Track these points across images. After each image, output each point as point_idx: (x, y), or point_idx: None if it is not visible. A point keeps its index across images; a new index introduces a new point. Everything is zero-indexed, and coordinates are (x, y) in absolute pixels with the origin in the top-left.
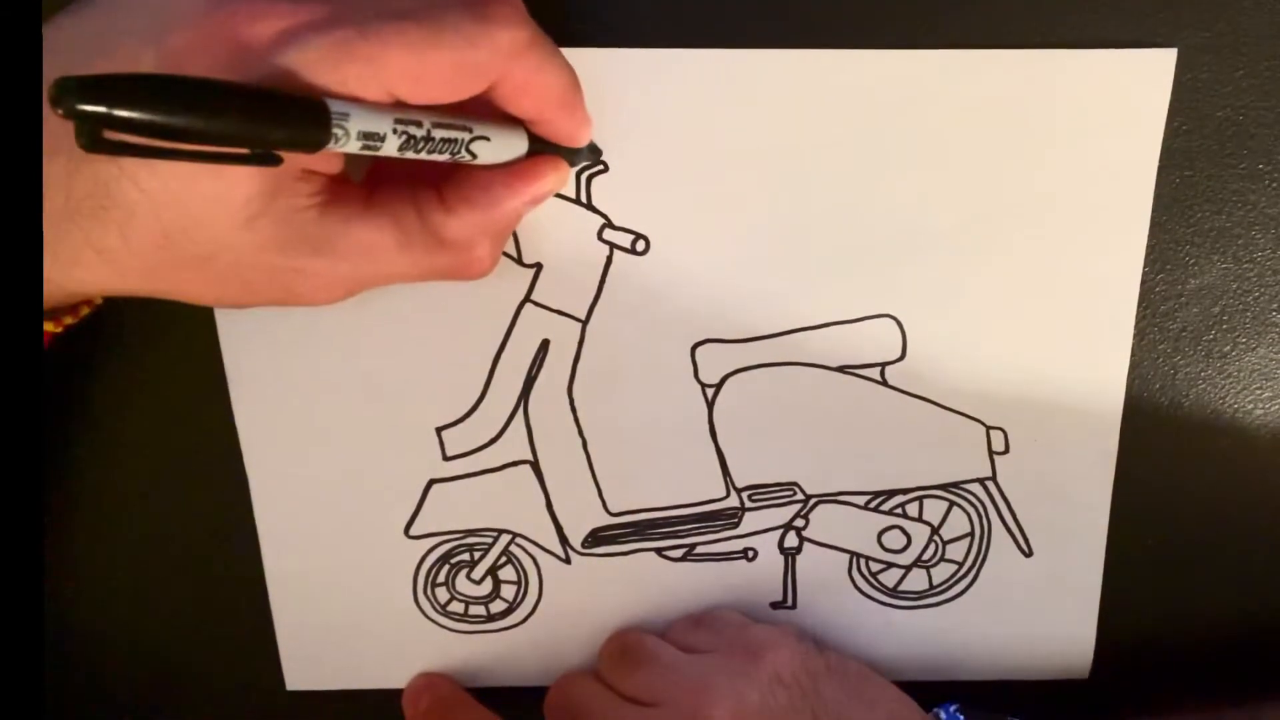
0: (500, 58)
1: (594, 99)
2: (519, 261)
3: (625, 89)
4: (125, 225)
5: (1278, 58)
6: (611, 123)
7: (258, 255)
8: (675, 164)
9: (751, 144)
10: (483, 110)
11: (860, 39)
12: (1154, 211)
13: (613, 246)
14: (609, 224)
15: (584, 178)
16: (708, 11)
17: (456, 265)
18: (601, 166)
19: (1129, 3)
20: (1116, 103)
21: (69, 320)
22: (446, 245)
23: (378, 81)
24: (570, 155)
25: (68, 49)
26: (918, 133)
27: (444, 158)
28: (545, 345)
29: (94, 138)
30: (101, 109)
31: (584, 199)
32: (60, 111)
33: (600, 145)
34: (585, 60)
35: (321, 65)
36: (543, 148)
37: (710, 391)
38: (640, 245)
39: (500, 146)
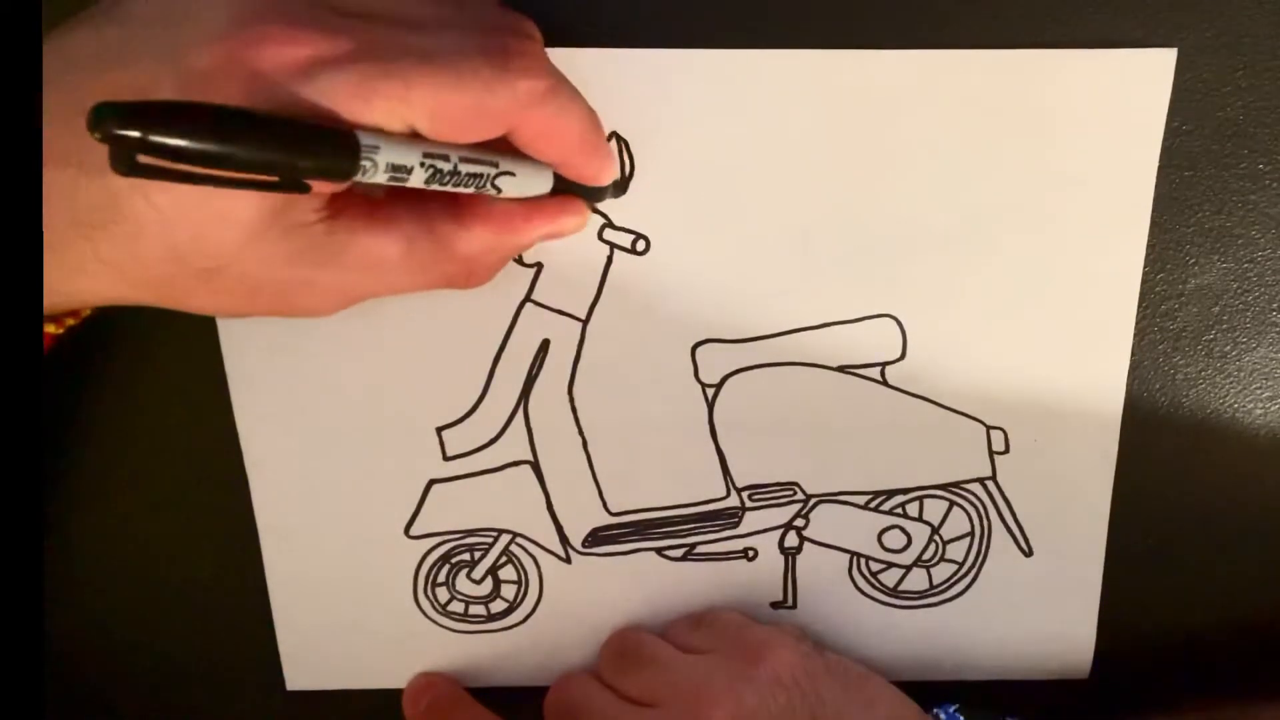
0: (518, 106)
1: (594, 99)
2: (519, 261)
3: (625, 90)
4: (134, 239)
5: (1278, 58)
6: (611, 123)
7: (264, 269)
8: (675, 164)
9: (751, 144)
10: (506, 151)
11: (860, 39)
12: (1154, 211)
13: (613, 246)
14: (609, 224)
15: None
16: (708, 11)
17: (459, 277)
18: None
19: (1129, 3)
20: (1116, 103)
21: (71, 321)
22: (453, 259)
23: (399, 117)
24: (594, 193)
25: (84, 60)
26: (918, 133)
27: (469, 190)
28: (545, 345)
29: (129, 162)
30: (138, 134)
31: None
32: (98, 136)
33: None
34: (586, 61)
35: (346, 98)
36: (567, 185)
37: (710, 391)
38: (640, 245)
39: (525, 182)
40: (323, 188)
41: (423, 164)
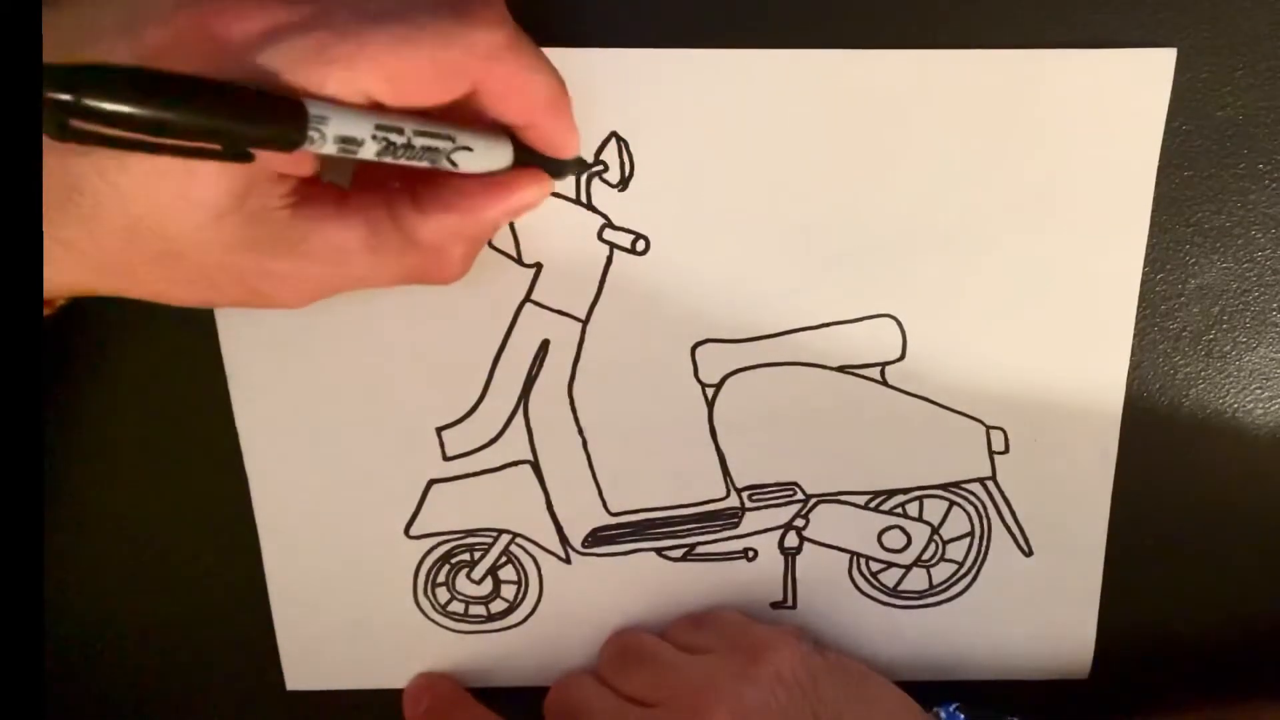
0: (478, 59)
1: (593, 100)
2: (519, 261)
3: (625, 90)
4: (91, 219)
5: (1278, 58)
6: (611, 123)
7: (225, 255)
8: (675, 164)
9: (751, 144)
10: (471, 118)
11: (859, 39)
12: (1154, 211)
13: (613, 246)
14: (609, 224)
15: (584, 178)
16: (708, 11)
17: (428, 269)
18: (602, 166)
19: (1129, 3)
20: (1116, 103)
21: (45, 312)
22: (419, 248)
23: (355, 84)
24: (557, 167)
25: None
26: (918, 133)
27: (424, 164)
28: (545, 345)
29: (62, 126)
30: (70, 98)
31: (584, 199)
32: None
33: (599, 145)
34: (585, 61)
35: (298, 66)
36: (528, 161)
37: (710, 391)
38: (640, 245)
39: (484, 157)
40: (274, 162)
41: (375, 136)
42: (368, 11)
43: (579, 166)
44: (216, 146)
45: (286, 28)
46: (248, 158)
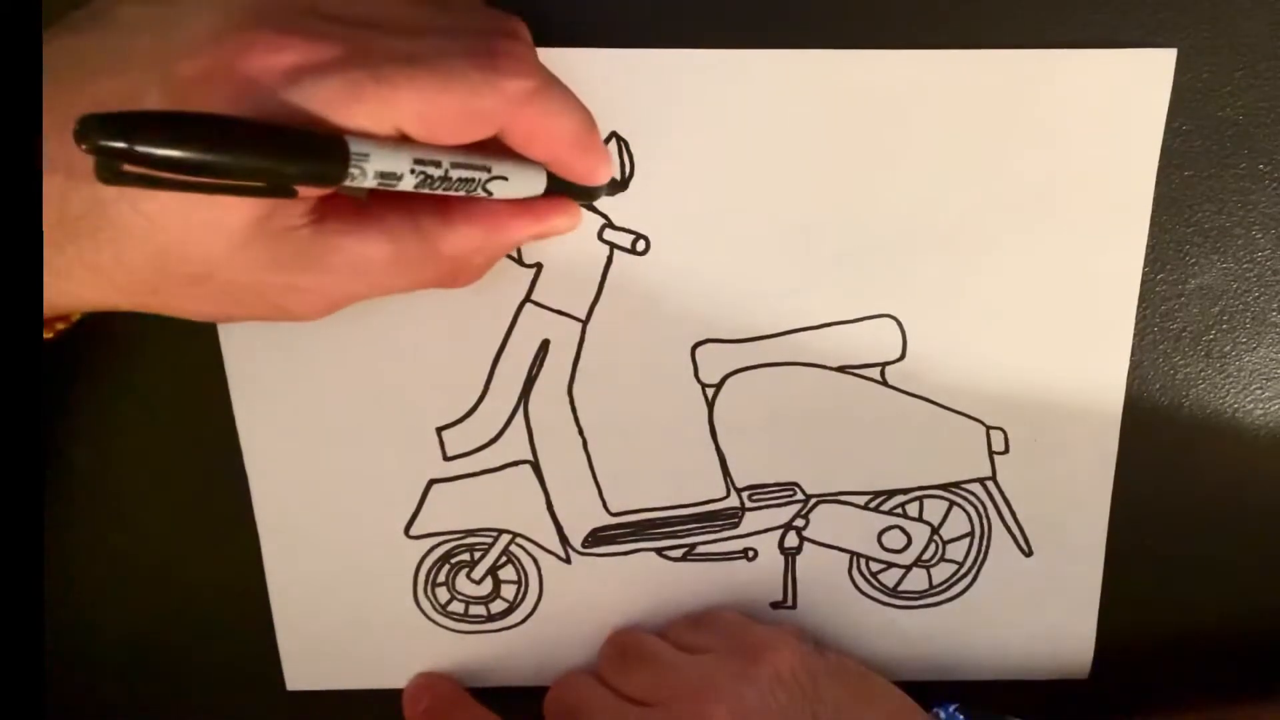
0: (507, 105)
1: (593, 100)
2: (519, 261)
3: (625, 90)
4: (120, 245)
5: (1278, 58)
6: (611, 123)
7: (251, 275)
8: (675, 164)
9: (751, 144)
10: (503, 148)
11: (860, 39)
12: (1154, 211)
13: (613, 246)
14: (609, 224)
15: None
16: (708, 11)
17: (445, 277)
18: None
19: (1129, 3)
20: (1116, 103)
21: (61, 326)
22: (440, 258)
23: (387, 122)
24: (588, 192)
25: (70, 68)
26: (918, 133)
27: (460, 194)
28: (545, 345)
29: (114, 171)
30: (125, 145)
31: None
32: (85, 147)
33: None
34: (586, 61)
35: (332, 104)
36: (562, 185)
37: (710, 391)
38: (640, 245)
39: (517, 185)
40: (309, 192)
41: (413, 170)
42: (401, 52)
43: (611, 188)
44: (261, 184)
45: (321, 65)
46: (291, 194)
